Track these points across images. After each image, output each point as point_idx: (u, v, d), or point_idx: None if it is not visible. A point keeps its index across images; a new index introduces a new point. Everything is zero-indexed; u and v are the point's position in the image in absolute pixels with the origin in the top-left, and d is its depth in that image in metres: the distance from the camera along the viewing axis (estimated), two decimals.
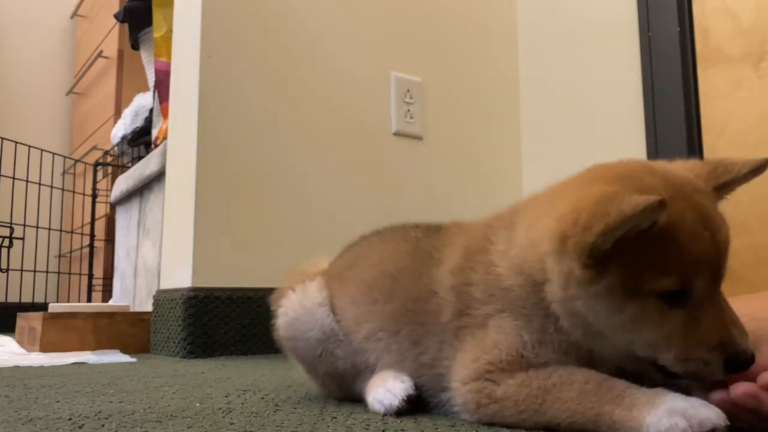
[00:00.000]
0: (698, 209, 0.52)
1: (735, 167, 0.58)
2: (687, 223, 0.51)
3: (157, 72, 2.04)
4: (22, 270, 3.00)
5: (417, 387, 0.68)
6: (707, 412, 0.48)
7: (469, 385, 0.59)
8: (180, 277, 1.50)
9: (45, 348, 1.56)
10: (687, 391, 0.53)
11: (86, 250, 2.97)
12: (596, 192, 0.51)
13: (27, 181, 2.99)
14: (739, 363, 0.51)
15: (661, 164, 0.58)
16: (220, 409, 0.73)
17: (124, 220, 2.32)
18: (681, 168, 0.58)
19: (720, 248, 0.53)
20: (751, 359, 0.52)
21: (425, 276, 0.67)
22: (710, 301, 0.52)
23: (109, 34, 3.10)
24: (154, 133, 2.16)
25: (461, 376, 0.61)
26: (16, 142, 2.92)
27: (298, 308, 0.76)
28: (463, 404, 0.61)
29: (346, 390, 0.77)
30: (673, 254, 0.51)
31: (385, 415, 0.67)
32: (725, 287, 0.55)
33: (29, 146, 3.01)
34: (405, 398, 0.66)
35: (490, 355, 0.59)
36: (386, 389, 0.68)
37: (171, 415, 0.69)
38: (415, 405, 0.67)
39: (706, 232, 0.52)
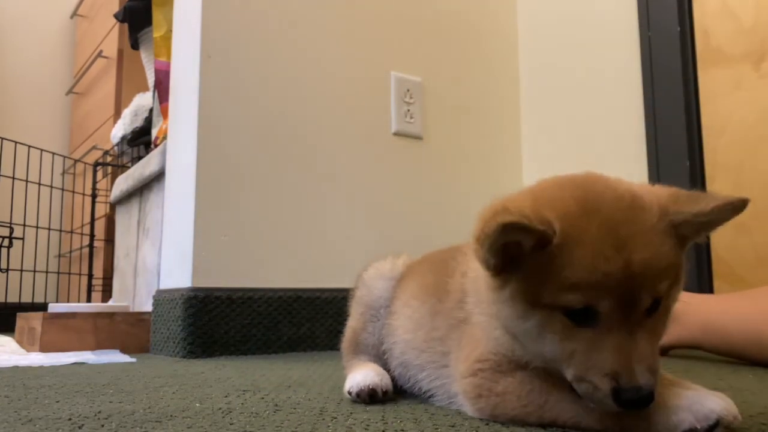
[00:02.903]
0: (612, 228, 0.50)
1: (704, 199, 0.52)
2: (590, 241, 0.50)
3: (157, 72, 2.04)
4: (21, 270, 3.00)
5: (394, 380, 0.80)
6: (711, 404, 0.49)
7: (467, 380, 0.63)
8: (180, 277, 1.50)
9: (45, 348, 1.56)
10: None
11: (86, 250, 2.97)
12: (493, 205, 0.52)
13: (27, 181, 2.99)
14: (628, 398, 0.48)
15: (615, 181, 0.55)
16: (219, 409, 0.73)
17: (124, 220, 2.32)
18: (645, 189, 0.55)
19: (631, 272, 0.49)
20: (645, 398, 0.48)
21: (455, 263, 0.74)
22: (621, 327, 0.50)
23: (108, 34, 3.10)
24: (154, 133, 2.16)
25: (460, 371, 0.65)
26: (16, 142, 2.92)
27: (372, 271, 0.90)
28: (464, 393, 0.64)
29: (352, 348, 0.87)
30: (572, 270, 0.49)
31: (349, 392, 0.76)
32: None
33: (29, 146, 3.00)
34: (371, 387, 0.75)
35: (477, 353, 0.63)
36: (364, 375, 0.77)
37: (171, 415, 0.69)
38: (380, 401, 0.75)
39: (613, 252, 0.49)
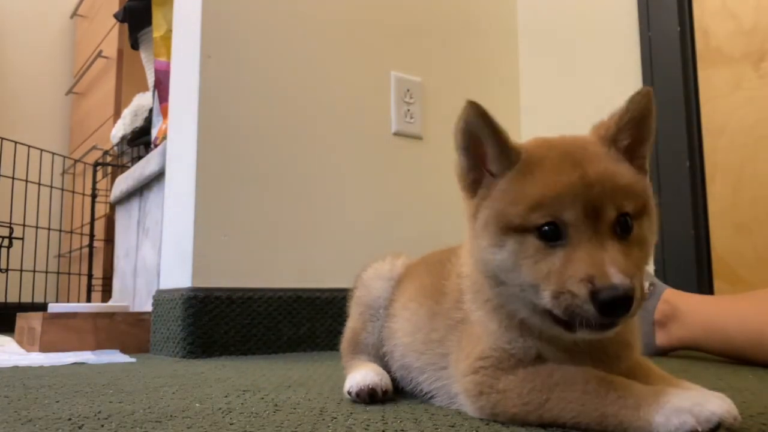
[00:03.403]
0: (565, 151, 0.57)
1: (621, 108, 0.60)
2: (548, 161, 0.56)
3: (157, 72, 2.04)
4: (21, 270, 3.00)
5: (395, 381, 0.80)
6: (713, 406, 0.49)
7: (468, 378, 0.63)
8: (180, 277, 1.50)
9: (44, 348, 1.56)
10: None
11: (86, 250, 2.97)
12: None
13: (27, 181, 2.99)
14: (606, 297, 0.50)
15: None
16: (219, 409, 0.73)
17: (124, 220, 2.32)
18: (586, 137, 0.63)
19: (588, 181, 0.54)
20: (623, 297, 0.50)
21: (451, 265, 0.75)
22: (592, 239, 0.53)
23: (108, 34, 3.10)
24: (154, 133, 2.16)
25: (461, 369, 0.65)
26: (16, 142, 2.92)
27: (371, 271, 0.90)
28: (464, 391, 0.64)
29: (352, 348, 0.87)
30: (535, 187, 0.55)
31: (349, 392, 0.76)
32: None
33: (29, 146, 3.00)
34: (370, 387, 0.75)
35: (478, 350, 0.63)
36: (364, 375, 0.77)
37: (171, 415, 0.69)
38: (380, 401, 0.75)
39: (570, 168, 0.55)
